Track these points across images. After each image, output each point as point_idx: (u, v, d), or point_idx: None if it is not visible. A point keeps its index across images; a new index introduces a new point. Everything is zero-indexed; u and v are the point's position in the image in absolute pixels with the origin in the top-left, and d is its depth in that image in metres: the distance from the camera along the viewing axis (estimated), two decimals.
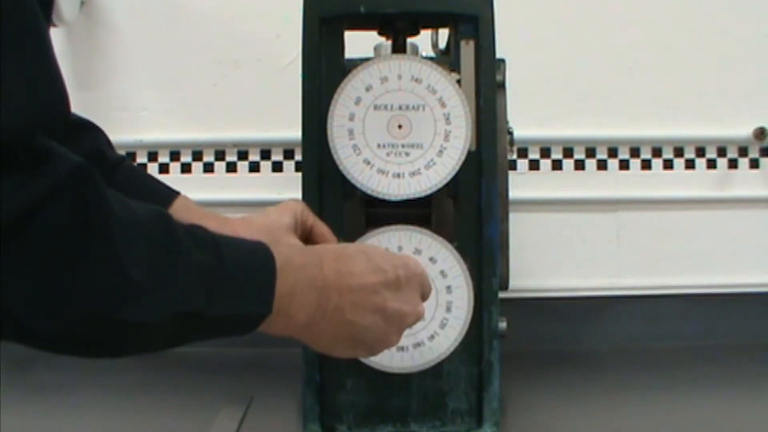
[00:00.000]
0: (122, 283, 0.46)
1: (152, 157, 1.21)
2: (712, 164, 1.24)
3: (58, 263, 0.44)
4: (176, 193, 0.82)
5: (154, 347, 0.52)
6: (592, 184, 1.22)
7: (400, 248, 0.79)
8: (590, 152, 1.23)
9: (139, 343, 0.50)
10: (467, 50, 0.83)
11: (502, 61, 0.88)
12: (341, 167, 0.79)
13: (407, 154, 0.79)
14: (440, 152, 0.79)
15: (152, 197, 0.78)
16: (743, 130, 1.22)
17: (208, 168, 1.21)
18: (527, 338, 1.06)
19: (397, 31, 0.86)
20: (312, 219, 0.79)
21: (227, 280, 0.52)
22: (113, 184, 0.49)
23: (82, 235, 0.45)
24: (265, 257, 0.55)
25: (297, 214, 0.78)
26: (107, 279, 0.46)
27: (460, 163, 0.79)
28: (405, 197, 0.79)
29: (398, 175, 0.79)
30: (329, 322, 0.59)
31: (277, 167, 1.21)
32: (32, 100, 0.44)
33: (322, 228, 0.80)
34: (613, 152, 1.23)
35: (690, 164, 1.24)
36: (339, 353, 0.63)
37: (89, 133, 0.82)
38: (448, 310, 0.79)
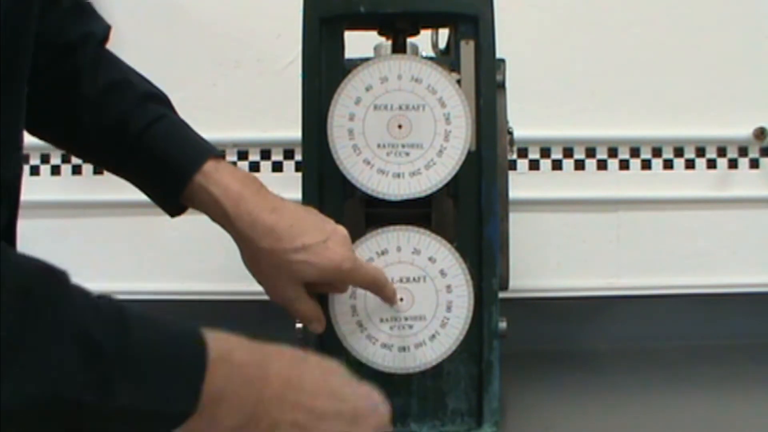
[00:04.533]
0: None
1: None
2: (712, 164, 1.24)
3: None
4: (206, 157, 0.74)
5: None
6: (592, 184, 1.22)
7: (399, 248, 0.79)
8: (590, 152, 1.23)
9: None
10: (467, 50, 0.83)
11: (502, 61, 0.88)
12: (341, 167, 0.79)
13: (407, 154, 0.79)
14: (440, 152, 0.79)
15: (179, 161, 0.72)
16: (743, 130, 1.22)
17: None
18: (527, 338, 1.06)
19: (397, 31, 0.86)
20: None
21: (132, 365, 0.44)
22: (137, 152, 0.46)
23: None
24: (196, 346, 0.48)
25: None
26: None
27: (460, 163, 0.79)
28: (405, 197, 0.79)
29: (398, 175, 0.79)
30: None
31: (277, 167, 1.21)
32: None
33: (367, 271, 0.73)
34: (613, 152, 1.23)
35: (690, 164, 1.24)
36: None
37: (119, 95, 0.75)
38: (449, 309, 0.79)
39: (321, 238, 0.72)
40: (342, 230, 0.74)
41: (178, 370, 0.46)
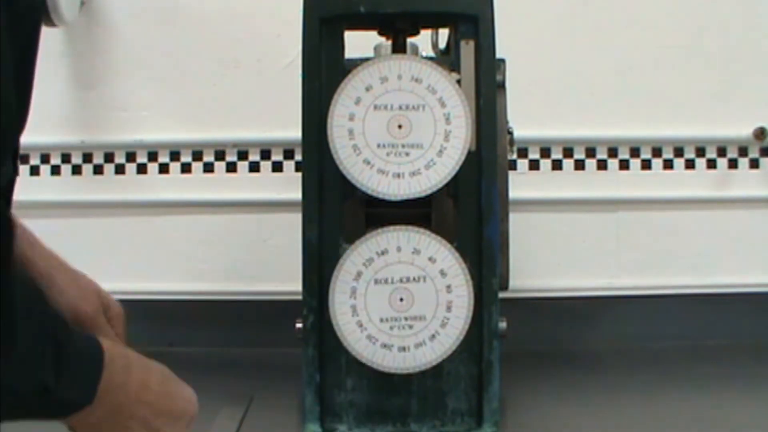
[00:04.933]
0: None
1: (152, 157, 1.21)
2: (712, 164, 1.24)
3: None
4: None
5: None
6: (592, 184, 1.22)
7: (399, 248, 0.79)
8: (590, 152, 1.23)
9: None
10: (467, 50, 0.83)
11: (502, 61, 0.88)
12: (341, 167, 0.79)
13: (407, 154, 0.79)
14: (440, 152, 0.79)
15: None
16: (743, 130, 1.22)
17: (208, 168, 1.21)
18: (527, 338, 1.06)
19: (397, 31, 0.86)
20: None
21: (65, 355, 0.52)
22: None
23: None
24: (96, 348, 0.56)
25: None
26: None
27: (460, 163, 0.79)
28: (405, 197, 0.79)
29: (398, 175, 0.79)
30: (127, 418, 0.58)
31: (277, 167, 1.21)
32: None
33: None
34: (613, 152, 1.23)
35: (690, 164, 1.23)
36: None
37: None
38: (449, 309, 0.79)
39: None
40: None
41: (83, 365, 0.54)
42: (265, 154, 1.22)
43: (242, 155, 1.22)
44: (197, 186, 1.21)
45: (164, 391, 0.62)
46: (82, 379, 0.54)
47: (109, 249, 1.21)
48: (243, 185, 1.21)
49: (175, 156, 1.21)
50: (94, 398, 0.54)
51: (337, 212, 0.82)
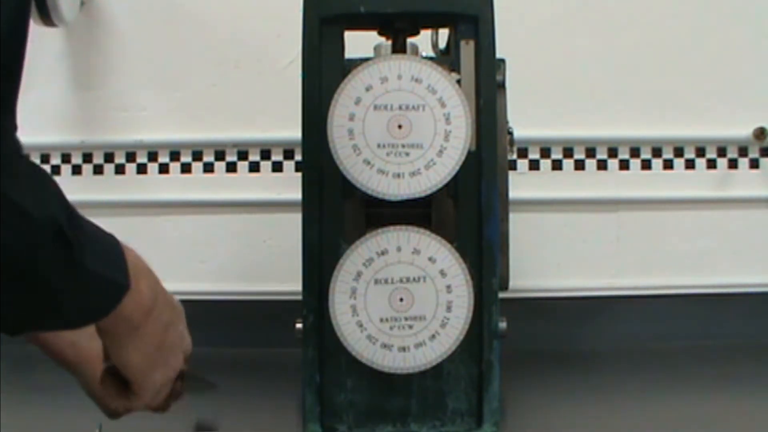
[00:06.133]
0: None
1: (152, 157, 1.21)
2: (712, 164, 1.24)
3: None
4: None
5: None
6: (592, 184, 1.22)
7: (399, 248, 0.79)
8: (590, 152, 1.23)
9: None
10: (467, 50, 0.83)
11: (502, 61, 0.88)
12: (341, 167, 0.79)
13: (407, 154, 0.79)
14: (440, 152, 0.79)
15: None
16: (743, 130, 1.22)
17: (208, 168, 1.22)
18: (527, 338, 1.06)
19: (397, 31, 0.86)
20: None
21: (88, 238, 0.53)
22: None
23: None
24: (113, 237, 0.57)
25: None
26: None
27: (460, 163, 0.79)
28: (405, 197, 0.79)
29: (398, 175, 0.79)
30: (163, 304, 0.61)
31: (277, 167, 1.22)
32: None
33: None
34: (613, 152, 1.23)
35: (690, 164, 1.24)
36: (157, 373, 0.63)
37: None
38: (449, 309, 0.79)
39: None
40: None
41: (111, 253, 0.56)
42: (265, 154, 1.22)
43: (242, 155, 1.22)
44: (197, 186, 1.21)
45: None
46: (108, 260, 0.55)
47: None
48: (243, 185, 1.21)
49: (175, 156, 1.22)
50: (128, 278, 0.55)
51: (337, 212, 0.82)
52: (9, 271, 0.47)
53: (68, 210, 0.51)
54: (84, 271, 0.51)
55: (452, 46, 0.86)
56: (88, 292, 0.52)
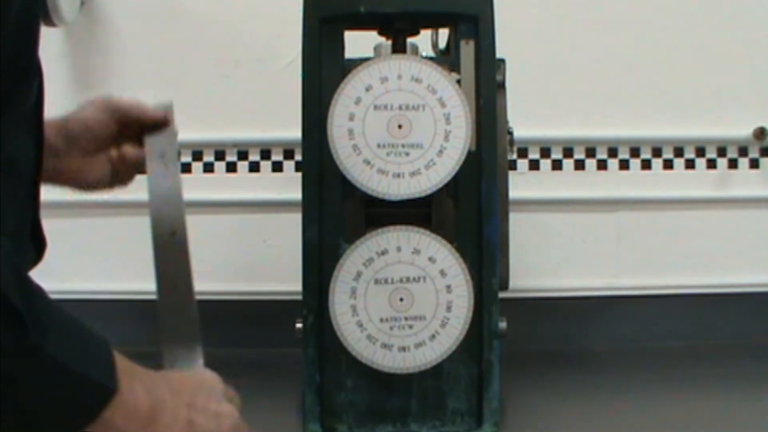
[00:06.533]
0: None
1: None
2: (712, 164, 1.24)
3: None
4: None
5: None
6: (592, 184, 1.22)
7: (399, 248, 0.79)
8: (590, 152, 1.23)
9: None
10: (467, 50, 0.83)
11: (502, 61, 0.88)
12: (341, 167, 0.79)
13: (407, 154, 0.79)
14: (440, 152, 0.79)
15: None
16: (743, 130, 1.22)
17: (208, 168, 1.21)
18: (527, 338, 1.06)
19: (397, 31, 0.86)
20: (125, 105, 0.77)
21: (60, 333, 0.46)
22: None
23: None
24: (99, 336, 0.49)
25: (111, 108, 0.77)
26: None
27: (460, 163, 0.79)
28: (405, 197, 0.79)
29: (398, 175, 0.79)
30: (172, 419, 0.51)
31: (277, 167, 1.21)
32: None
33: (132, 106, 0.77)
34: (613, 152, 1.23)
35: (690, 164, 1.23)
36: None
37: None
38: (449, 309, 0.79)
39: None
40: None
41: (91, 348, 0.48)
42: (265, 154, 1.22)
43: (242, 155, 1.22)
44: (197, 186, 1.21)
45: (203, 389, 0.57)
46: (90, 356, 0.47)
47: (109, 249, 1.21)
48: (243, 185, 1.21)
49: None
50: (115, 379, 0.47)
51: (337, 212, 0.82)
52: None
53: (24, 282, 0.45)
54: (46, 360, 0.44)
55: (452, 46, 0.86)
56: (56, 389, 0.44)
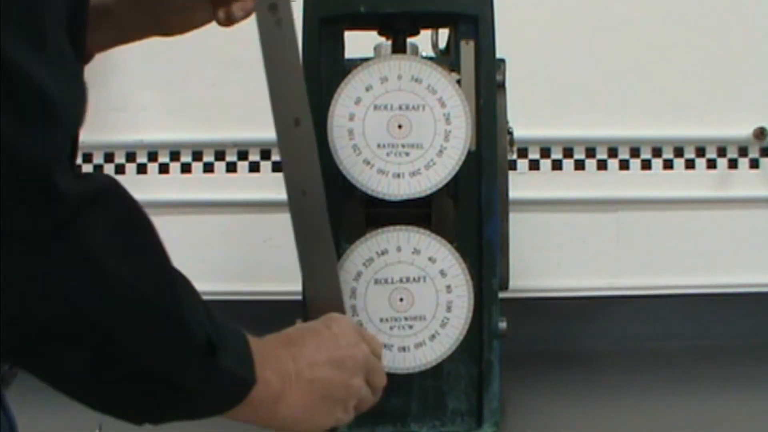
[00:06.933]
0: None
1: (152, 157, 1.21)
2: (712, 164, 1.24)
3: (110, 254, 0.45)
4: None
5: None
6: (592, 184, 1.22)
7: (399, 248, 0.79)
8: (590, 152, 1.23)
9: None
10: (467, 50, 0.83)
11: (502, 61, 0.88)
12: (341, 167, 0.79)
13: (407, 154, 0.79)
14: (440, 152, 0.79)
15: None
16: (743, 130, 1.22)
17: (208, 168, 1.22)
18: (527, 338, 1.06)
19: (397, 31, 0.86)
20: None
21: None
22: None
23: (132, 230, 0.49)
24: (237, 328, 0.54)
25: None
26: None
27: (460, 163, 0.79)
28: (405, 197, 0.79)
29: (398, 175, 0.79)
30: (296, 388, 0.57)
31: (277, 167, 1.21)
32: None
33: None
34: (613, 152, 1.23)
35: (690, 164, 1.24)
36: (319, 420, 0.60)
37: None
38: (449, 309, 0.79)
39: None
40: None
41: (232, 341, 0.52)
42: (265, 154, 1.22)
43: (242, 155, 1.22)
44: (197, 186, 1.21)
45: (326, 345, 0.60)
46: (234, 355, 0.51)
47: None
48: (243, 185, 1.21)
49: (175, 156, 1.21)
50: (254, 372, 0.52)
51: (338, 212, 0.82)
52: (153, 375, 0.47)
53: (208, 311, 0.51)
54: (219, 373, 0.50)
55: (452, 46, 0.86)
56: (218, 390, 0.51)
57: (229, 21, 0.69)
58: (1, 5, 0.40)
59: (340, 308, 0.67)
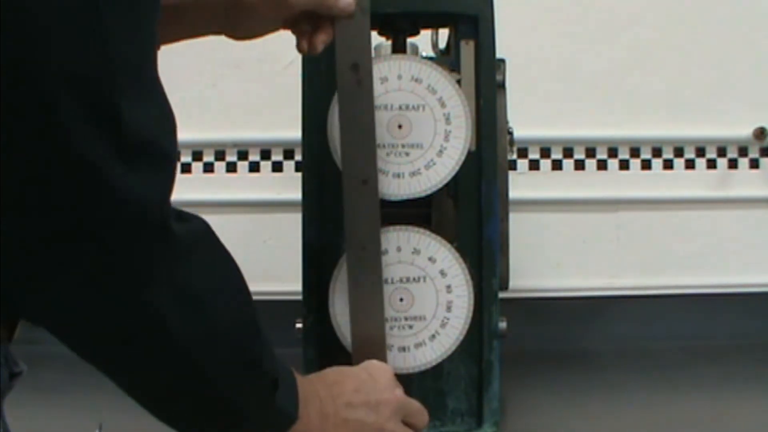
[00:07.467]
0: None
1: None
2: (712, 164, 1.24)
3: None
4: None
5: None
6: (592, 184, 1.22)
7: (399, 248, 0.79)
8: (590, 152, 1.23)
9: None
10: (467, 50, 0.83)
11: (502, 61, 0.88)
12: (341, 167, 0.79)
13: (407, 154, 0.79)
14: (440, 152, 0.79)
15: None
16: (743, 130, 1.22)
17: (208, 168, 1.22)
18: (527, 338, 1.06)
19: (397, 31, 0.86)
20: None
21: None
22: None
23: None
24: (287, 366, 0.61)
25: None
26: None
27: (460, 163, 0.79)
28: (405, 197, 0.79)
29: (398, 175, 0.79)
30: (332, 427, 0.64)
31: (277, 167, 1.22)
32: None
33: None
34: (613, 152, 1.23)
35: (690, 164, 1.24)
36: None
37: None
38: (449, 309, 0.79)
39: None
40: None
41: (282, 376, 0.59)
42: (265, 154, 1.22)
43: (242, 155, 1.22)
44: (197, 186, 1.21)
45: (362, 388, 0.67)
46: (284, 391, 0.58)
47: None
48: (243, 185, 1.21)
49: None
50: (297, 408, 0.59)
51: (337, 212, 0.82)
52: (225, 403, 0.53)
53: (272, 350, 0.57)
54: (275, 408, 0.57)
55: (452, 46, 0.86)
56: (269, 421, 0.58)
57: (310, 51, 0.71)
58: (115, 61, 0.44)
59: (382, 356, 0.73)
